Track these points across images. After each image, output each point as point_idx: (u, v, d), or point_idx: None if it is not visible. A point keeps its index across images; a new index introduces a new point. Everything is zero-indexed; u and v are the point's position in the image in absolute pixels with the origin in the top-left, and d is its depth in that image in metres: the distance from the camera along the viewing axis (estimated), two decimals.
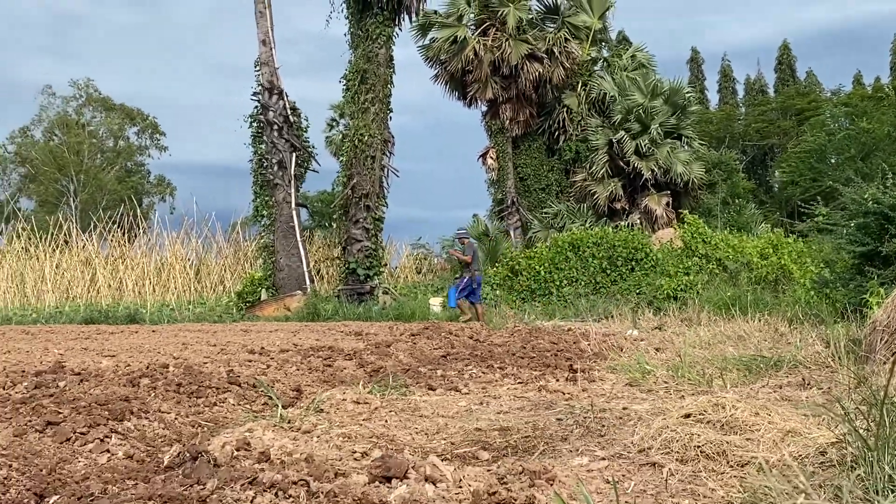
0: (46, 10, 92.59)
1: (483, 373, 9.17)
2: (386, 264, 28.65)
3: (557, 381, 8.49)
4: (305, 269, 24.02)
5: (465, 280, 19.27)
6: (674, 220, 28.82)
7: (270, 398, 7.25)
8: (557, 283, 22.22)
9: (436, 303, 21.49)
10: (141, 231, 32.75)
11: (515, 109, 31.25)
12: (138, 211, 34.03)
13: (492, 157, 32.83)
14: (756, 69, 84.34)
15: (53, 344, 13.03)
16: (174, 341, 13.23)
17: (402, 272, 34.22)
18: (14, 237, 31.82)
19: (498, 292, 22.24)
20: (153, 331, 16.73)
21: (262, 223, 24.89)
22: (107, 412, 5.95)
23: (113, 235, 31.67)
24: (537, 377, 8.76)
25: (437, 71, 32.11)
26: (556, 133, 32.05)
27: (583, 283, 22.14)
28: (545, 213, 31.19)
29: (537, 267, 22.57)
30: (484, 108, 32.94)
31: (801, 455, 4.44)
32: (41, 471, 4.77)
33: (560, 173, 32.36)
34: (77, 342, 13.56)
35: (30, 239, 31.41)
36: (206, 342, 12.85)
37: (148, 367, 8.60)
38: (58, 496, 4.25)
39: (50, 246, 31.26)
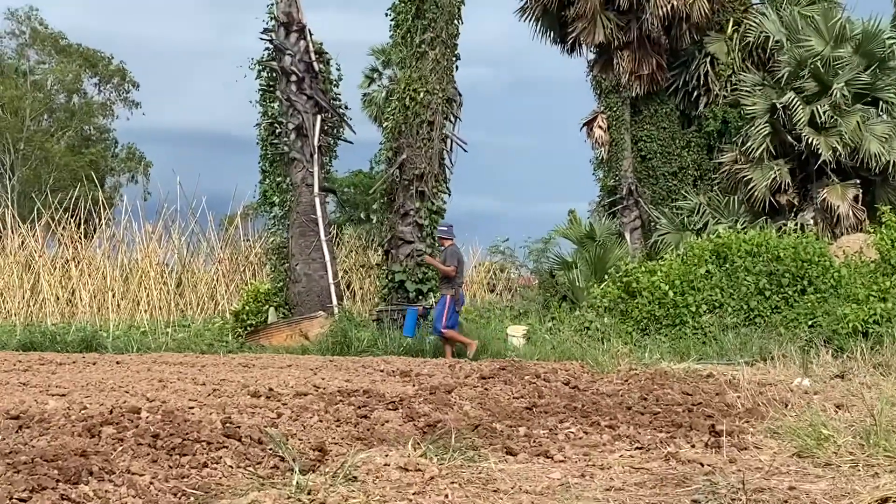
0: None
1: (585, 433, 9.16)
2: None
3: (693, 447, 8.45)
4: (331, 280, 24.14)
5: (447, 300, 19.71)
6: (865, 222, 28.39)
7: (283, 459, 7.32)
8: (693, 308, 22.02)
9: (517, 333, 21.45)
10: (103, 223, 33.18)
11: (636, 59, 31.06)
12: (99, 194, 34.37)
13: (601, 127, 32.66)
14: None
15: None
16: (147, 377, 13.40)
17: (468, 288, 34.22)
18: None
19: (606, 320, 22.13)
20: (117, 362, 16.96)
21: (272, 214, 25.06)
22: (56, 471, 6.06)
23: (64, 228, 32.09)
24: (664, 441, 8.71)
25: (524, 2, 32.09)
26: (695, 94, 31.77)
27: (730, 309, 21.91)
28: (677, 207, 30.95)
29: (664, 285, 22.40)
30: (591, 57, 32.78)
31: None
32: None
33: (699, 151, 32.08)
34: (13, 374, 13.82)
35: None
36: (191, 379, 12.99)
37: (112, 412, 8.74)
38: None
39: None
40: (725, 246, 22.85)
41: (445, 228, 21.20)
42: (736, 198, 30.29)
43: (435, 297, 23.99)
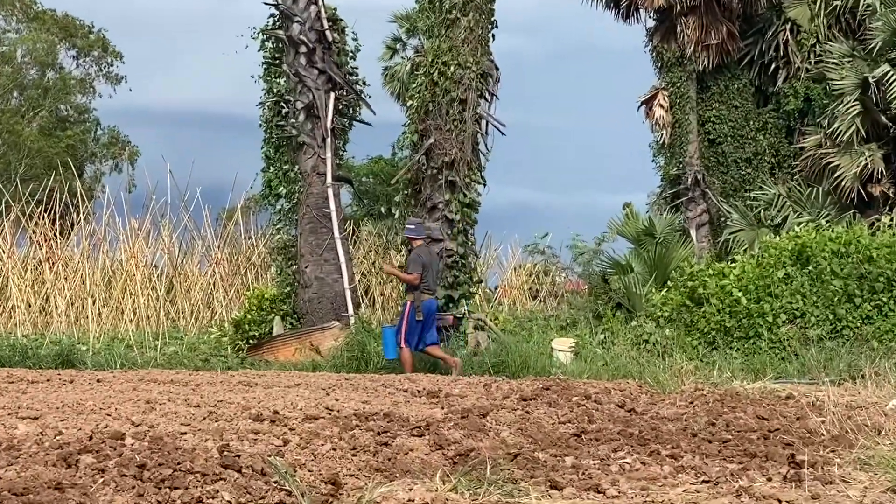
0: None
1: (642, 463, 9.14)
2: (481, 280, 28.65)
3: (769, 480, 8.42)
4: (347, 285, 24.18)
5: (407, 311, 20.46)
6: None
7: (290, 493, 7.34)
8: (770, 318, 21.98)
9: (563, 347, 21.42)
10: (81, 218, 33.27)
11: (704, 26, 31.02)
12: (77, 185, 34.50)
13: (662, 106, 32.64)
14: None
15: None
16: (133, 397, 13.46)
17: (506, 294, 34.21)
18: None
19: (668, 332, 22.11)
20: (98, 380, 17.03)
21: (278, 208, 25.11)
22: None
23: (36, 224, 32.24)
24: (735, 474, 8.70)
25: None
26: (773, 67, 31.69)
27: (814, 319, 21.84)
28: (751, 199, 30.87)
29: (736, 291, 22.35)
30: (650, 24, 32.78)
31: None
32: None
33: (777, 134, 32.00)
34: None
35: None
36: (184, 400, 13.05)
37: (92, 438, 8.78)
38: None
39: None
40: (808, 245, 22.79)
41: (413, 227, 21.70)
42: (820, 188, 30.18)
43: (468, 304, 24.07)
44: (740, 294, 22.28)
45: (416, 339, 20.55)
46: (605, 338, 22.88)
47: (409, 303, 20.61)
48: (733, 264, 23.42)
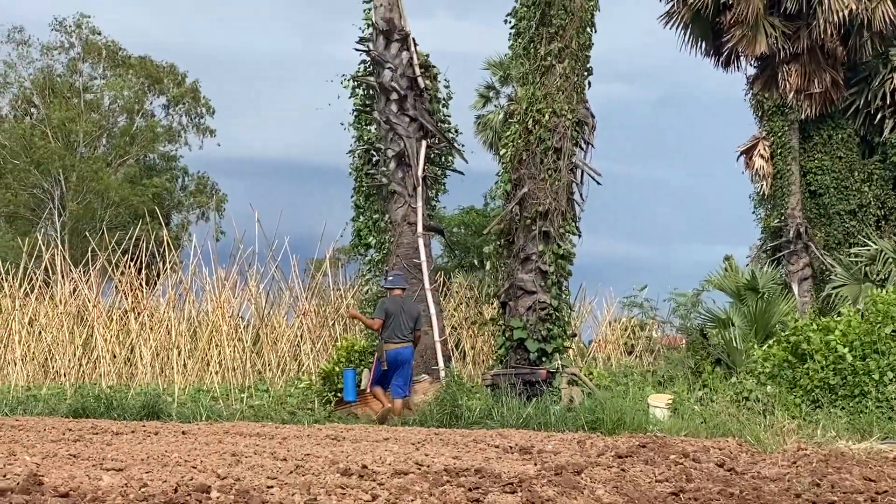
0: None
1: None
2: (575, 334, 28.55)
3: None
4: (437, 337, 24.18)
5: (374, 364, 21.69)
6: None
7: None
8: (876, 375, 21.70)
9: (660, 403, 21.28)
10: (167, 267, 33.53)
11: (806, 73, 30.86)
12: (164, 233, 34.73)
13: (762, 156, 32.50)
14: None
15: (23, 447, 13.54)
16: (218, 450, 13.53)
17: (601, 348, 34.04)
18: None
19: (769, 389, 21.89)
20: (183, 432, 17.17)
21: (368, 258, 25.18)
22: None
23: (122, 273, 32.53)
24: None
25: (671, 5, 32.03)
26: (879, 116, 31.42)
27: None
28: (856, 254, 30.56)
29: (841, 347, 22.10)
30: (751, 71, 32.63)
31: None
32: None
33: (884, 186, 31.69)
34: (62, 445, 14.04)
35: None
36: (270, 453, 13.09)
37: (177, 491, 8.82)
38: None
39: (21, 289, 32.29)
40: None
41: (391, 278, 22.34)
42: None
43: (562, 358, 23.99)
44: (845, 350, 22.02)
45: (385, 382, 21.55)
46: (703, 394, 22.70)
47: (377, 355, 21.53)
48: (838, 318, 23.16)
